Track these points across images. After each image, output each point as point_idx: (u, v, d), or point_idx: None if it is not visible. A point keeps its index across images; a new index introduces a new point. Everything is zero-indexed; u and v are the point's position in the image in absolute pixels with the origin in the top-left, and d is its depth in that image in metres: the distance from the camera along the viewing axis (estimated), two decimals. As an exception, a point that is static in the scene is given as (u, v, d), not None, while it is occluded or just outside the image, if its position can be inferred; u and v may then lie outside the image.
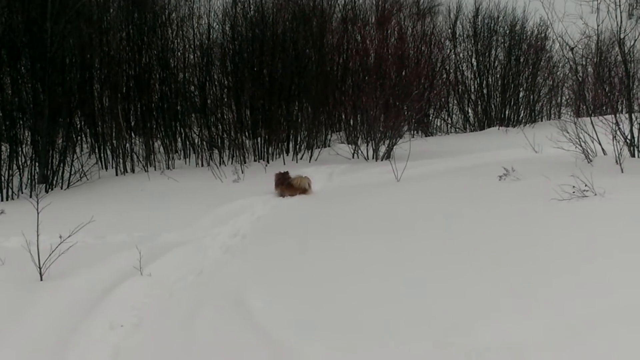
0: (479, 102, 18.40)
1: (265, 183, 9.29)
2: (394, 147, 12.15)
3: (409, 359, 3.51)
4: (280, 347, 3.78)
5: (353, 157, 12.55)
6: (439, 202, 7.05)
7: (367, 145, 12.54)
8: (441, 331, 3.71)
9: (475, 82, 18.44)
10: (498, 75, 18.15)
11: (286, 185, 8.84)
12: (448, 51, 18.78)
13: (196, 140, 13.49)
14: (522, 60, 17.98)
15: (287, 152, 13.46)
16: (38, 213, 5.51)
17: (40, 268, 5.36)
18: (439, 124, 19.12)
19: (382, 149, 12.25)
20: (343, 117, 15.38)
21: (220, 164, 12.37)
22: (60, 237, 5.67)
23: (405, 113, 12.48)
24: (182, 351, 4.03)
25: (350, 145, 13.07)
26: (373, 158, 12.26)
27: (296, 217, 7.49)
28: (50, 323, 4.56)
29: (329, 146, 13.91)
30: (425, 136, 17.23)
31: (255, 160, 12.78)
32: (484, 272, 4.57)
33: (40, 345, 4.22)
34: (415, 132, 17.02)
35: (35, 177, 10.93)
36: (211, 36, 13.97)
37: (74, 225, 5.94)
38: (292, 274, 5.22)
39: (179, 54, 14.02)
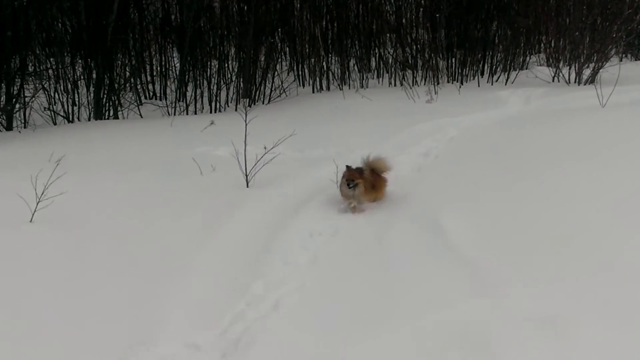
0: None
1: (458, 105, 9.15)
2: (600, 70, 11.34)
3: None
4: (473, 267, 3.79)
5: (553, 80, 11.91)
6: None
7: (569, 69, 11.81)
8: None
9: (703, 1, 16.44)
10: None
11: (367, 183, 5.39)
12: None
13: (390, 60, 13.51)
14: None
15: (482, 74, 13.07)
16: (246, 125, 5.94)
17: (246, 176, 5.81)
18: (653, 47, 17.46)
19: (586, 73, 11.48)
20: (544, 38, 14.54)
21: (413, 84, 12.34)
22: (265, 148, 6.08)
23: (615, 35, 11.53)
24: (375, 261, 4.22)
25: (550, 68, 12.39)
26: (575, 82, 11.55)
27: (488, 142, 7.28)
28: (256, 226, 5.00)
29: (526, 68, 13.30)
30: (636, 60, 15.86)
31: (448, 82, 12.59)
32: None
33: (247, 245, 4.66)
34: (624, 55, 15.71)
35: (240, 91, 11.63)
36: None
37: (276, 138, 6.33)
38: (487, 198, 5.08)
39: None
